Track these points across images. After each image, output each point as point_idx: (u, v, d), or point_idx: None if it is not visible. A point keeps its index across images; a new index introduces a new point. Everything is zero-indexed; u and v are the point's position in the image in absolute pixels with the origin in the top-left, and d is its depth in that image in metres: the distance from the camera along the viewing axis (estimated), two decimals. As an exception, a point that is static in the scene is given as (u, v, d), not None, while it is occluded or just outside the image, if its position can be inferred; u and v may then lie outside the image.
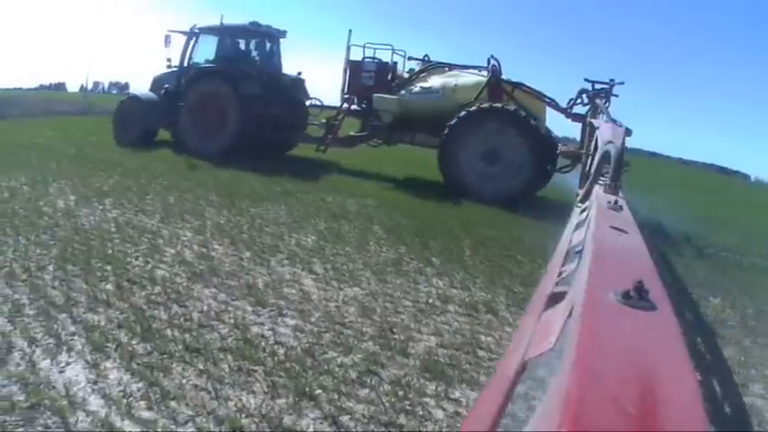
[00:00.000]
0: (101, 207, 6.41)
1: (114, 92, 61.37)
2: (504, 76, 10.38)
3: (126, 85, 59.23)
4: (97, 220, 5.83)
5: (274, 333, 3.52)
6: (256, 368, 3.03)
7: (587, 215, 1.88)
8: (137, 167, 9.42)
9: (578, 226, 1.92)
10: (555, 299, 1.18)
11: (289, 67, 13.03)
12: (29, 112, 20.61)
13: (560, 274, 1.45)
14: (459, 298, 4.65)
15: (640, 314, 0.78)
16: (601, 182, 2.69)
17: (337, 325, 3.75)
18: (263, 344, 3.34)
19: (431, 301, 4.50)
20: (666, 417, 0.56)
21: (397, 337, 3.69)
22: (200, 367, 2.98)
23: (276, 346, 3.32)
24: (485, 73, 10.48)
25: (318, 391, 2.84)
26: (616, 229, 1.42)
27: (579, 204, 2.67)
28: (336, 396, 2.82)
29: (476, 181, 9.70)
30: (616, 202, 1.88)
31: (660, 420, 0.55)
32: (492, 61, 10.39)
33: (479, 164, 9.74)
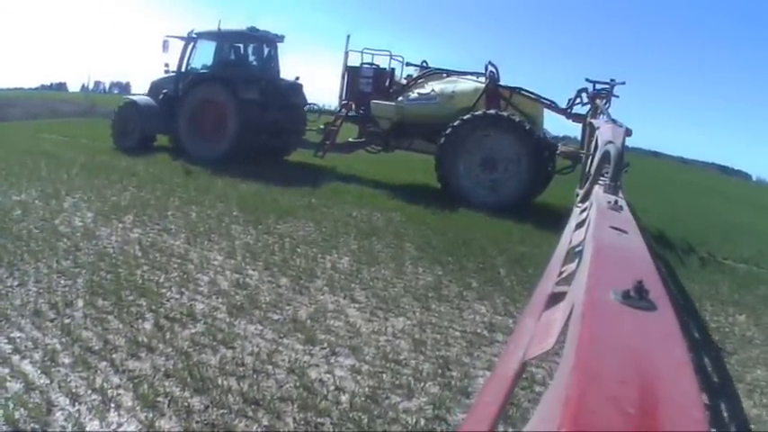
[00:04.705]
0: (121, 225, 6.11)
1: (116, 91, 60.88)
2: (501, 82, 10.23)
3: (127, 85, 58.94)
4: (119, 241, 5.52)
5: (332, 376, 3.29)
6: (323, 420, 2.83)
7: (587, 215, 1.88)
8: (151, 178, 9.10)
9: (578, 226, 1.92)
10: (555, 299, 1.18)
11: (288, 68, 12.84)
12: (32, 114, 20.23)
13: (560, 273, 1.45)
14: (505, 325, 4.49)
15: (640, 314, 0.76)
16: (601, 182, 2.67)
17: (392, 363, 3.56)
18: (323, 390, 3.11)
19: (478, 330, 4.36)
20: (666, 417, 0.54)
21: (454, 374, 3.54)
22: (265, 422, 2.74)
23: (337, 393, 3.11)
24: (482, 79, 10.32)
25: (391, 444, 2.70)
26: (616, 229, 1.39)
27: (579, 204, 2.65)
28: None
29: (474, 188, 9.53)
30: (616, 202, 1.86)
31: (660, 420, 0.54)
32: (489, 67, 10.24)
33: (477, 171, 9.56)
